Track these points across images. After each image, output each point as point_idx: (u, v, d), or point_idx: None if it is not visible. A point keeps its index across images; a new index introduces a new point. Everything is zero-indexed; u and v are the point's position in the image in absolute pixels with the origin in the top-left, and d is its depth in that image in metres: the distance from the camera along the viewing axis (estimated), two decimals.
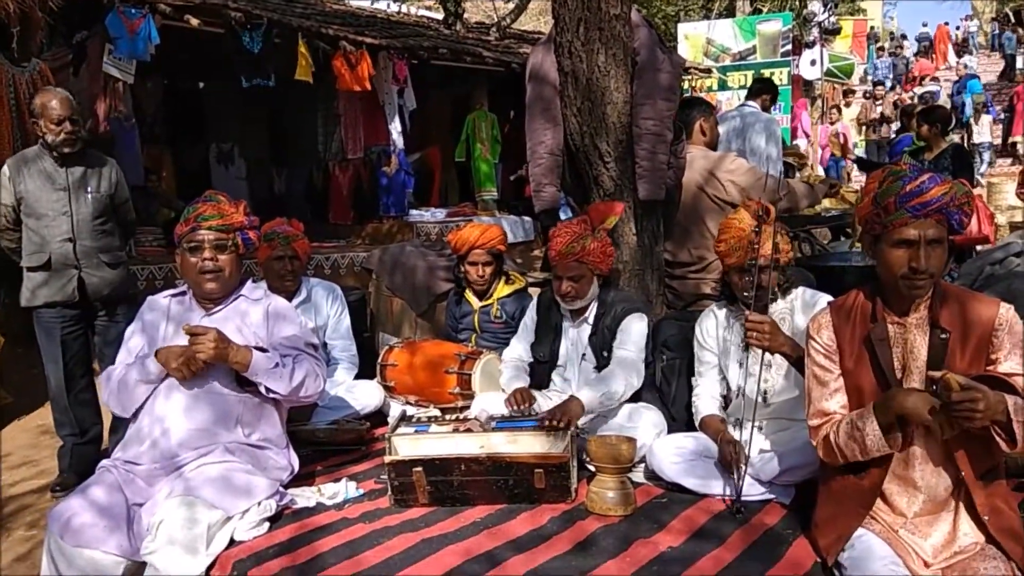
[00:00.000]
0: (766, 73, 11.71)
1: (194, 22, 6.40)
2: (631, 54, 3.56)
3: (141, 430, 2.51)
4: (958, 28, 26.72)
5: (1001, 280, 2.85)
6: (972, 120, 14.77)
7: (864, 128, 13.81)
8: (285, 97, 8.88)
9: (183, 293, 2.69)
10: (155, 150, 8.72)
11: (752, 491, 2.51)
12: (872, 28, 25.42)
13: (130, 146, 7.09)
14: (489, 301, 3.82)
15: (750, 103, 5.97)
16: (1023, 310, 2.15)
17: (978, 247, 4.55)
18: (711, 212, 3.78)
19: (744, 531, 2.32)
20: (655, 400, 3.08)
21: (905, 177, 1.92)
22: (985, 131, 14.90)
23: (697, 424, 2.82)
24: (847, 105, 13.18)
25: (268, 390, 2.50)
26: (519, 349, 3.34)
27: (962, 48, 23.54)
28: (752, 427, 2.46)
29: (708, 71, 13.85)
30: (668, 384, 3.16)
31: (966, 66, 18.76)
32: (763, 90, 6.14)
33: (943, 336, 1.92)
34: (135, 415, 2.55)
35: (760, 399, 2.52)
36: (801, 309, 2.67)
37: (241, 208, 2.65)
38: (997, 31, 22.86)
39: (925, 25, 26.23)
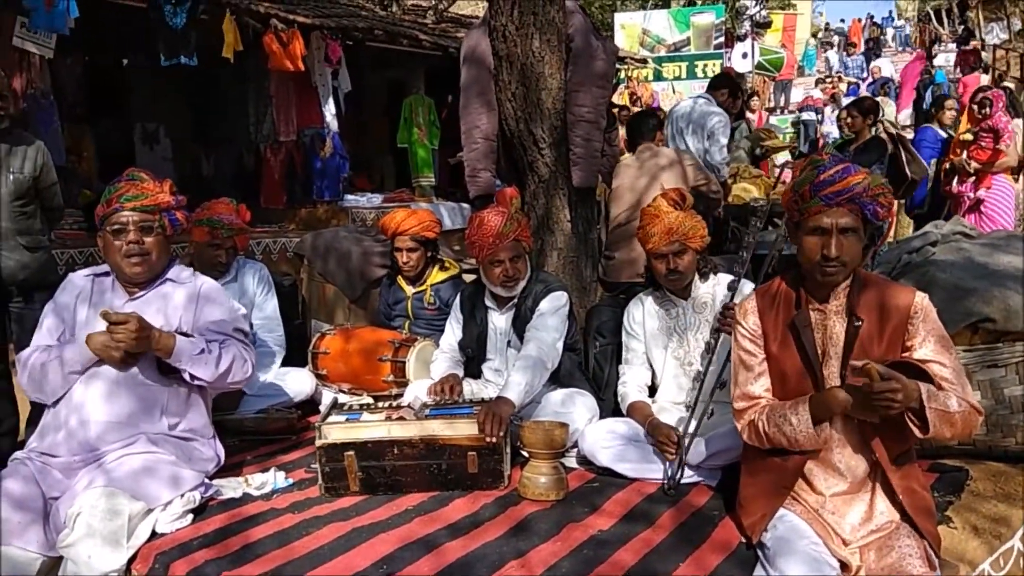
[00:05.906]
0: (699, 64, 11.89)
1: None
2: (565, 40, 3.55)
3: (58, 419, 2.40)
4: (877, 24, 27.77)
5: (918, 268, 2.94)
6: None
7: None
8: (214, 76, 8.59)
9: (106, 273, 2.55)
10: (76, 129, 8.34)
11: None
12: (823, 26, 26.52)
13: (48, 125, 6.75)
14: (422, 287, 3.79)
15: (706, 95, 5.90)
16: (938, 297, 2.25)
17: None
18: None
19: (673, 512, 2.36)
20: (587, 385, 3.10)
21: (821, 167, 1.99)
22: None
23: (624, 410, 2.85)
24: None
25: (193, 376, 2.42)
26: (453, 340, 3.30)
27: (874, 44, 24.56)
28: (704, 411, 2.53)
29: (644, 61, 14.00)
30: (601, 370, 3.19)
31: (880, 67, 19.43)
32: (722, 84, 6.06)
33: (857, 324, 1.99)
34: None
35: (719, 384, 2.59)
36: (723, 294, 2.78)
37: (167, 187, 2.53)
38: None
39: (843, 21, 27.30)
